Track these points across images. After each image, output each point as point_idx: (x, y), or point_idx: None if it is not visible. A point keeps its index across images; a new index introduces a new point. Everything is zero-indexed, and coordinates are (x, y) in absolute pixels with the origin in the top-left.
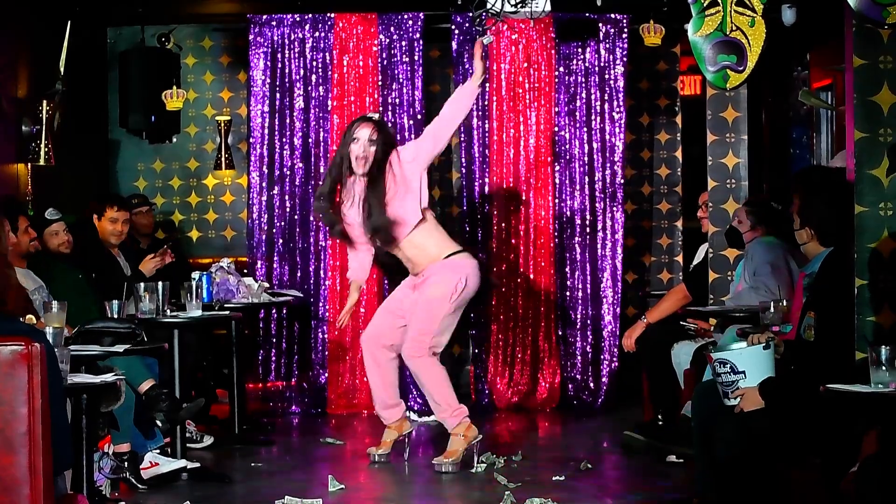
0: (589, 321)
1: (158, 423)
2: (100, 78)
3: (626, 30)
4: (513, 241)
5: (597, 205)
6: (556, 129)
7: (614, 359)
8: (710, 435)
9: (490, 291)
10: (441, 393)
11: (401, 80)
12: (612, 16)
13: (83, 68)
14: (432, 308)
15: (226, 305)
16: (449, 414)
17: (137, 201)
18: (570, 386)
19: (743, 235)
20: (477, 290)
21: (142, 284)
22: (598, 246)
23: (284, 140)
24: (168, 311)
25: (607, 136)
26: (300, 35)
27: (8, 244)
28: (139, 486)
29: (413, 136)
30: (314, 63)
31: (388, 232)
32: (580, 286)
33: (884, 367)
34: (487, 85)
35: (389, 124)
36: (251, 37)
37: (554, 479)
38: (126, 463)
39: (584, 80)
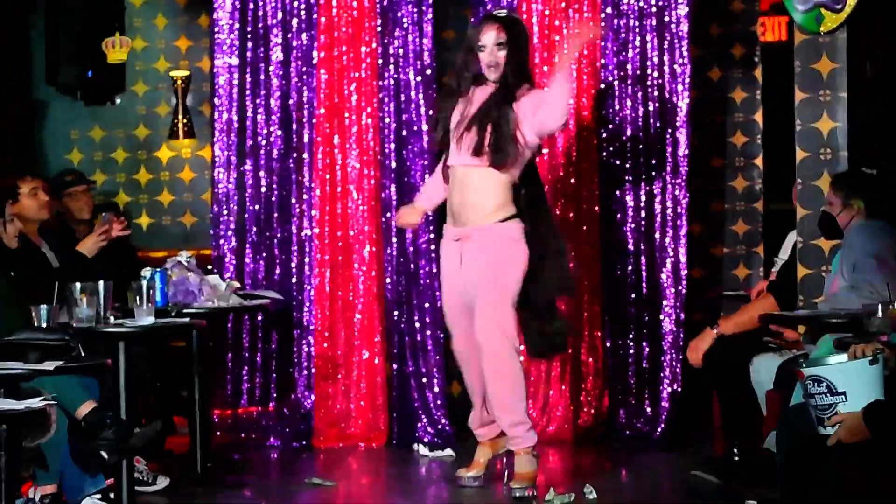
0: (644, 330)
1: (104, 454)
2: (20, 21)
3: None
4: None
5: (654, 183)
6: (603, 87)
7: (677, 377)
8: (802, 474)
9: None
10: (518, 399)
11: (405, 25)
12: None
13: None
14: (485, 297)
15: (185, 311)
16: (523, 430)
17: (71, 179)
18: (620, 411)
19: (836, 219)
20: (525, 260)
21: (77, 285)
22: (656, 234)
23: (258, 101)
24: (112, 317)
25: (667, 96)
26: None
27: None
28: None
29: (422, 94)
30: (295, 3)
31: (509, 149)
32: (633, 285)
33: None
34: None
35: (392, 80)
36: None
37: None
38: None
39: (637, 24)
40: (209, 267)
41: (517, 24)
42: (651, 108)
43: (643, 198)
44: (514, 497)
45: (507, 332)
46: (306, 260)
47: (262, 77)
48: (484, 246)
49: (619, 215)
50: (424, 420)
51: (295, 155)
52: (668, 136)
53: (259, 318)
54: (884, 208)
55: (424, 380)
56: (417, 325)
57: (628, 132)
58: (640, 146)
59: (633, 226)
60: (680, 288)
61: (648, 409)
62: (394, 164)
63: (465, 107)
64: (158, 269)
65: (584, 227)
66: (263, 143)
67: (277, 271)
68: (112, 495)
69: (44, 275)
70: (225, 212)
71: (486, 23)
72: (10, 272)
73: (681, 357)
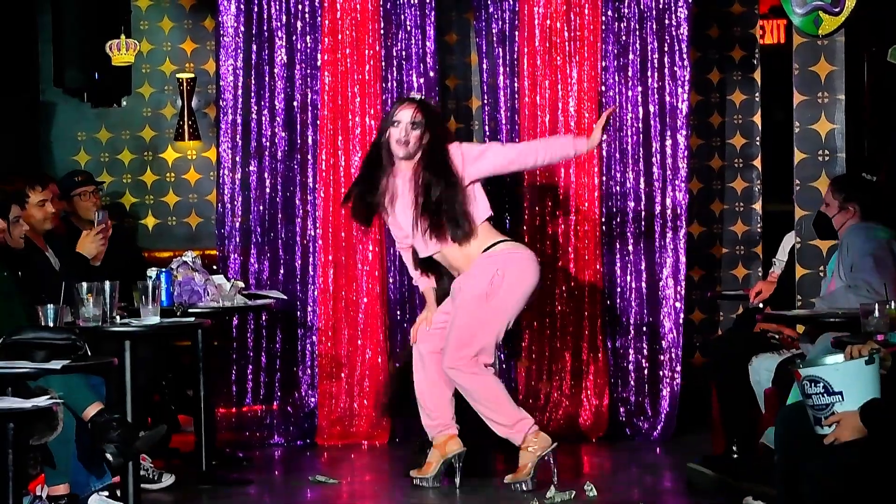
0: (645, 328)
1: (109, 456)
2: (28, 24)
3: None
4: (549, 228)
5: (654, 183)
6: (603, 88)
7: (677, 376)
8: (798, 471)
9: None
10: (498, 408)
11: (408, 28)
12: None
13: (7, 12)
14: (466, 312)
15: (190, 310)
16: (511, 429)
17: (80, 179)
18: (621, 409)
19: (832, 220)
20: (532, 282)
21: (84, 284)
22: (657, 235)
23: (263, 103)
24: (118, 317)
25: (667, 98)
26: None
27: None
28: None
29: (424, 96)
30: (299, 6)
31: (464, 225)
32: (633, 285)
33: None
34: (517, 34)
35: (395, 82)
36: None
37: None
38: None
39: (637, 26)
40: (214, 267)
41: (432, 109)
42: (651, 109)
43: (643, 198)
44: (510, 490)
45: (468, 353)
46: (310, 260)
47: (267, 79)
48: (467, 277)
49: (619, 216)
50: None
51: (299, 156)
52: (668, 138)
53: (263, 317)
54: (880, 212)
55: None
56: None
57: (629, 134)
58: (641, 148)
59: (633, 226)
60: (679, 287)
61: (648, 407)
62: None
63: (387, 180)
64: (164, 269)
65: (585, 228)
66: (268, 144)
67: (281, 271)
68: (118, 492)
69: (47, 275)
70: (230, 212)
71: (402, 102)
72: (16, 271)
73: (680, 355)
